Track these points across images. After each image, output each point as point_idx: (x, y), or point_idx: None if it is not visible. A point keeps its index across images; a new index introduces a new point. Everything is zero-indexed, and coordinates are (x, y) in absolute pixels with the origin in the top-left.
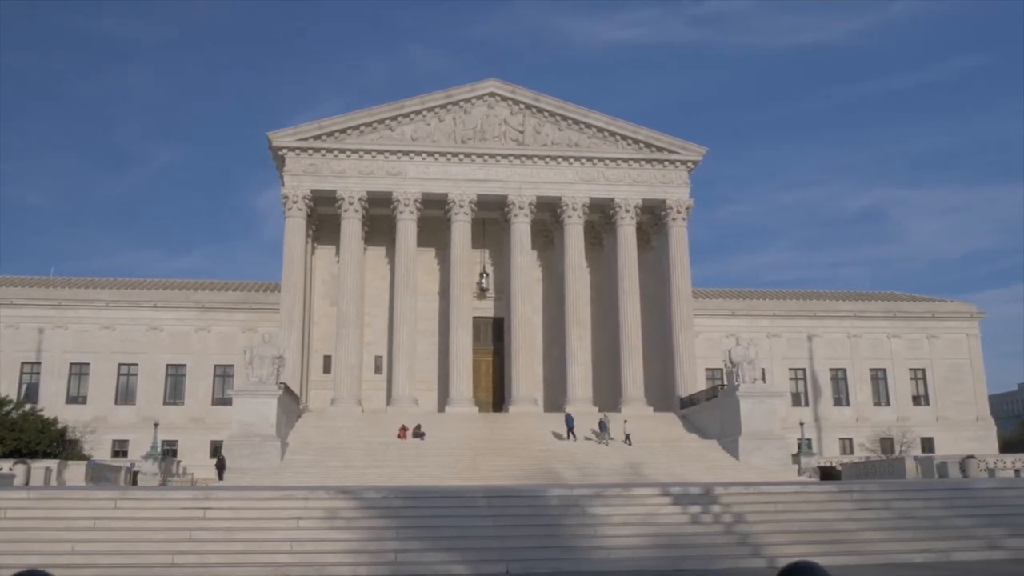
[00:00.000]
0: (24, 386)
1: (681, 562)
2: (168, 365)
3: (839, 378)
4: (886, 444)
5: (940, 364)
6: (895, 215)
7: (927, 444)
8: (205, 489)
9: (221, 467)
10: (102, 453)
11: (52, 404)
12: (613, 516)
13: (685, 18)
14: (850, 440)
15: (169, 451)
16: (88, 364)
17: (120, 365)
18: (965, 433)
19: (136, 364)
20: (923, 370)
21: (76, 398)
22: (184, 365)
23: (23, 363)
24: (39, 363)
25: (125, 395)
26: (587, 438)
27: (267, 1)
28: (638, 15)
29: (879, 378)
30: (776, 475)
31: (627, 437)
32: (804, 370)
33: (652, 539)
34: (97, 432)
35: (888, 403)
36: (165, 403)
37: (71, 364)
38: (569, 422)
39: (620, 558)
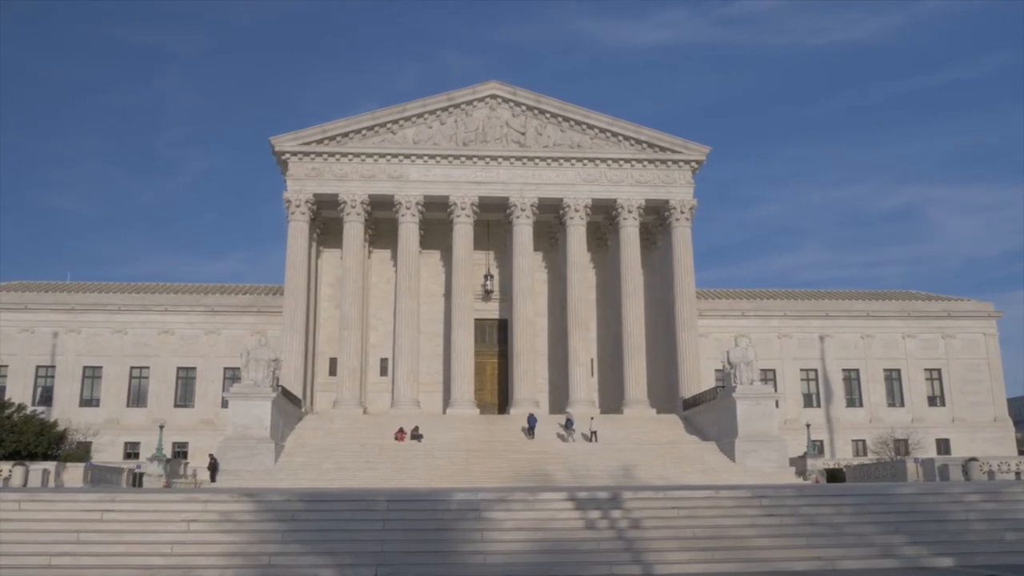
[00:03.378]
0: (39, 389)
1: (553, 568)
2: (179, 368)
3: (852, 379)
4: (900, 446)
5: (956, 364)
6: (930, 213)
7: (943, 446)
8: (113, 491)
9: (214, 469)
10: (114, 455)
11: (66, 407)
12: (507, 521)
13: (713, 19)
14: (863, 442)
15: (180, 453)
16: (101, 367)
17: (132, 368)
18: (982, 434)
19: (147, 367)
20: (939, 370)
21: (90, 401)
22: (194, 368)
23: (38, 367)
24: (54, 367)
25: (137, 398)
26: (559, 435)
27: (301, 10)
28: (666, 17)
29: (893, 379)
30: (771, 477)
31: (593, 435)
32: (816, 371)
33: (536, 545)
34: (108, 434)
35: (902, 404)
36: (176, 405)
37: (84, 367)
38: (531, 421)
39: (495, 563)
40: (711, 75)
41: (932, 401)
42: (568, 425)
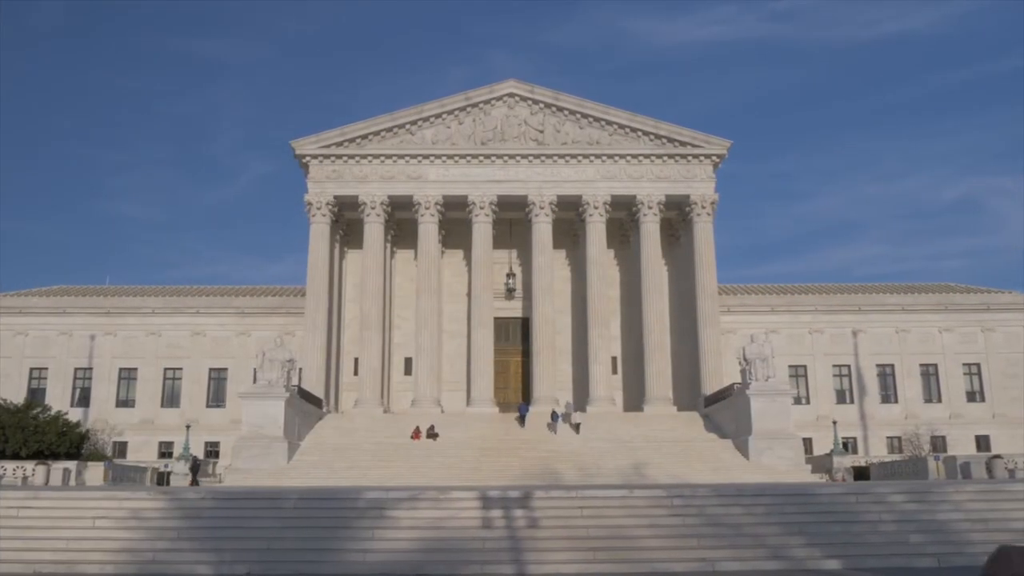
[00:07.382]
0: (77, 391)
1: (425, 567)
2: (211, 369)
3: (886, 374)
4: (937, 442)
5: (996, 358)
6: (992, 205)
7: (983, 442)
8: (35, 489)
9: (195, 471)
10: (149, 455)
11: (103, 408)
12: (405, 520)
13: (764, 13)
14: (898, 439)
15: (212, 452)
16: (136, 369)
17: (166, 370)
18: (1023, 430)
19: (180, 368)
20: (977, 365)
21: (125, 402)
22: (226, 369)
23: (76, 369)
24: (91, 369)
25: (171, 398)
26: (549, 424)
27: (349, 15)
28: (715, 13)
29: (930, 374)
30: (784, 475)
31: (576, 427)
32: (849, 367)
33: (423, 543)
34: (143, 434)
35: (939, 399)
36: (208, 406)
37: (120, 369)
38: (522, 411)
39: (372, 561)
40: (762, 70)
41: (971, 396)
42: (554, 418)
